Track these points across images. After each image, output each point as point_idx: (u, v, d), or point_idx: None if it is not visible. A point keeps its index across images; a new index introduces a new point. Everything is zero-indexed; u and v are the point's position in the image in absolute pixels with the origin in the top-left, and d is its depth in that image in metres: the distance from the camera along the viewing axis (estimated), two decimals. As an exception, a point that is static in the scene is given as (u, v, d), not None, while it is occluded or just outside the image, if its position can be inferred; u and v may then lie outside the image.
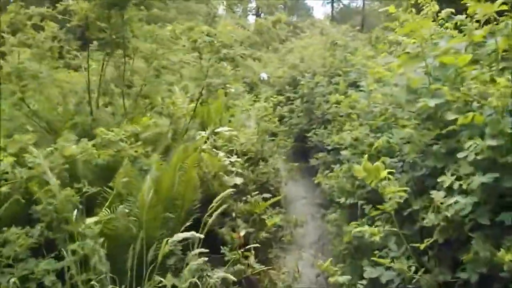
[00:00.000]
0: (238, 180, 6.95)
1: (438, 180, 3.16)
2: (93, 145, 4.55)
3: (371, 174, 2.81)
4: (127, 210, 4.62)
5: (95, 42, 6.55)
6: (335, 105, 8.25)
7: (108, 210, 4.55)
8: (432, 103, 3.26)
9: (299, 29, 21.16)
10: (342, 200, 5.43)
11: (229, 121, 10.44)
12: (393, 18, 5.54)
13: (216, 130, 7.45)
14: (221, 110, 10.23)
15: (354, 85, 9.61)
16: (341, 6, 54.09)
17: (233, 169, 7.04)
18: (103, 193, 4.73)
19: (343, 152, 6.10)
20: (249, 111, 9.25)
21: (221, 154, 7.08)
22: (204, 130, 8.69)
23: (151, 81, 7.22)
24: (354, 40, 10.96)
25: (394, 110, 4.66)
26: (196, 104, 6.76)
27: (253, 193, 7.48)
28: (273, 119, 9.06)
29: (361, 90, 8.65)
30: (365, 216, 5.09)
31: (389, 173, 3.04)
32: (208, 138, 7.79)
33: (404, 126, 4.78)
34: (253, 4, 46.23)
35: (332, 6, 52.79)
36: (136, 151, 4.82)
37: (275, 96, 10.00)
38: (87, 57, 6.50)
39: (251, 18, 45.52)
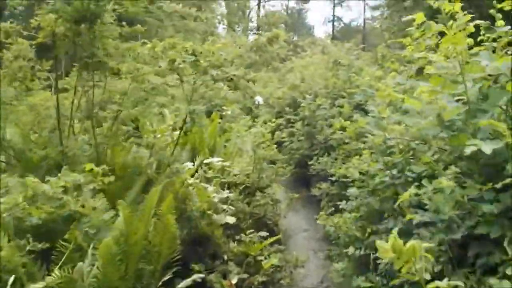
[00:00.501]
0: (230, 219, 6.00)
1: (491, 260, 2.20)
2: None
3: (402, 255, 1.86)
4: (88, 268, 3.68)
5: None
6: (340, 131, 7.34)
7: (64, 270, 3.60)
8: (487, 148, 2.30)
9: (300, 48, 20.34)
10: (351, 250, 4.47)
11: (224, 146, 9.52)
12: (404, 34, 4.72)
13: (206, 161, 6.51)
14: (215, 134, 9.32)
15: (359, 107, 8.72)
16: (342, 25, 53.52)
17: (224, 206, 6.10)
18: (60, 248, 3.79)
19: (351, 190, 5.17)
20: (244, 137, 8.32)
21: (211, 188, 6.14)
22: (194, 158, 7.78)
23: (138, 103, 6.40)
24: (358, 59, 10.06)
25: (416, 145, 3.73)
26: (180, 133, 5.82)
27: (248, 231, 6.55)
28: (271, 146, 8.12)
29: (368, 115, 7.79)
30: (378, 269, 4.16)
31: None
32: (197, 170, 6.87)
33: (428, 164, 3.86)
34: (254, 23, 45.62)
35: (333, 25, 52.24)
36: (82, 206, 3.79)
37: (273, 120, 9.07)
38: (56, 77, 5.58)
39: (252, 37, 44.90)
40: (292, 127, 12.15)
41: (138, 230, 4.09)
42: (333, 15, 52.82)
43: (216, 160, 6.51)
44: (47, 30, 5.18)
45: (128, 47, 5.75)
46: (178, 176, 5.98)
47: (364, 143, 6.86)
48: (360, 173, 5.32)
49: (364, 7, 51.34)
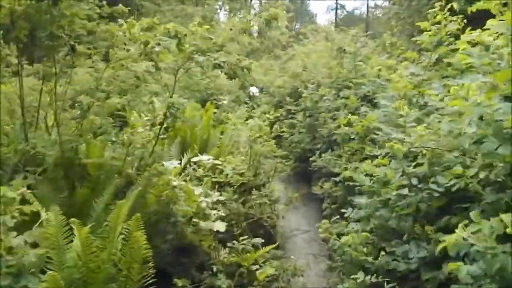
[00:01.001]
0: (220, 226, 5.20)
1: None
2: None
3: None
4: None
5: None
6: (346, 126, 6.52)
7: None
8: None
9: (302, 35, 19.41)
10: (360, 276, 3.66)
11: (219, 139, 8.69)
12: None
13: (194, 159, 5.69)
14: (209, 126, 8.48)
15: (366, 99, 7.88)
16: (345, 13, 52.41)
17: (214, 211, 5.30)
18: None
19: (360, 200, 4.36)
20: (240, 131, 7.49)
21: (198, 190, 5.33)
22: (185, 153, 6.96)
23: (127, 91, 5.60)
24: (364, 46, 9.18)
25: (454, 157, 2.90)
26: (160, 129, 4.98)
27: (242, 238, 5.77)
28: (269, 141, 7.30)
29: (379, 108, 6.95)
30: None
31: None
32: (185, 168, 6.07)
33: (461, 178, 3.04)
34: (256, 10, 44.49)
35: (336, 13, 51.17)
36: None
37: (271, 112, 8.22)
38: (18, 62, 4.75)
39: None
40: (292, 118, 11.33)
41: (101, 252, 3.29)
42: (336, 3, 51.81)
43: (205, 158, 5.69)
44: (6, 8, 4.33)
45: (105, 29, 4.89)
46: (161, 177, 5.17)
47: (372, 141, 6.03)
48: (371, 178, 4.50)
49: (368, -5, 50.43)
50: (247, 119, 8.42)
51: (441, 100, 4.01)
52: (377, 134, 5.73)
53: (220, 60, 4.77)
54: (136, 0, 17.73)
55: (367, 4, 50.69)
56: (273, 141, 7.55)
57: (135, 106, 6.60)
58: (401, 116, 4.06)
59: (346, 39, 12.28)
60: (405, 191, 3.56)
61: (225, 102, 10.88)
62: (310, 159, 8.41)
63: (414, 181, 3.48)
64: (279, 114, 11.16)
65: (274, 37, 23.13)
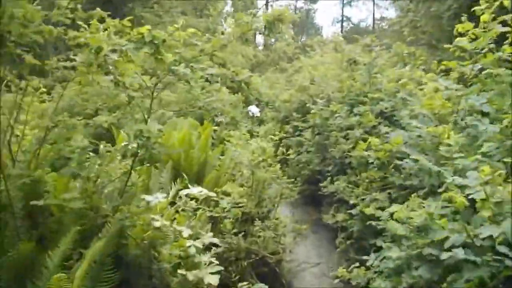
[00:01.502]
0: (213, 279, 4.16)
1: None
2: None
3: None
4: None
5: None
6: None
7: None
8: None
9: (309, 47, 18.47)
10: None
11: (218, 162, 7.66)
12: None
13: (184, 192, 4.66)
14: (207, 147, 7.46)
15: (383, 115, 6.87)
16: (351, 25, 51.52)
17: (206, 257, 4.27)
18: None
19: (392, 255, 3.32)
20: (241, 155, 6.45)
21: (187, 232, 4.30)
22: (178, 180, 5.94)
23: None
24: (378, 57, 8.15)
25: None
26: (133, 163, 3.95)
27: (241, 285, 4.76)
28: (274, 166, 6.28)
29: (399, 127, 5.94)
30: None
31: None
32: (173, 202, 5.05)
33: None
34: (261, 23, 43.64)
35: (342, 25, 50.32)
36: None
37: (276, 131, 7.19)
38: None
39: (260, 37, 42.99)
40: (300, 135, 10.32)
41: None
42: (342, 15, 50.95)
43: (197, 191, 4.67)
44: None
45: (73, 36, 3.88)
46: (141, 216, 4.17)
47: (396, 168, 5.00)
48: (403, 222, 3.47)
49: (374, 7, 49.59)
50: (247, 141, 7.40)
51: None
52: (402, 160, 4.73)
53: (208, 72, 3.74)
54: (135, 11, 16.87)
55: (373, 16, 49.94)
56: (278, 165, 6.52)
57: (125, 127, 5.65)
58: (448, 145, 3.02)
59: (356, 50, 11.33)
60: (460, 252, 2.52)
61: (226, 119, 9.88)
62: (321, 184, 7.38)
63: (478, 241, 2.46)
64: (284, 134, 10.18)
65: (279, 49, 22.15)
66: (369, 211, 4.40)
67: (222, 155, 7.92)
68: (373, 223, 4.37)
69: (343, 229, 6.27)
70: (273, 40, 38.51)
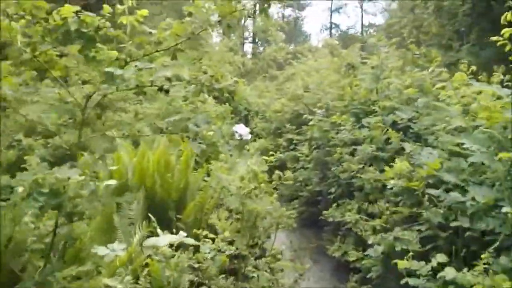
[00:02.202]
0: None
1: None
2: None
3: None
4: None
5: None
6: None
7: None
8: None
9: (300, 54, 17.29)
10: None
11: (203, 185, 6.37)
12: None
13: (147, 243, 3.38)
14: (187, 170, 6.18)
15: (396, 127, 5.65)
16: (340, 32, 50.54)
17: None
18: None
19: None
20: (227, 182, 5.16)
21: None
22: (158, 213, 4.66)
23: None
24: (388, 58, 6.88)
25: None
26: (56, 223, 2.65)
27: None
28: (270, 194, 5.02)
29: (424, 142, 4.72)
30: None
31: None
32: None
33: None
34: (250, 32, 42.49)
35: (331, 32, 49.35)
36: None
37: (271, 153, 5.91)
38: None
39: (248, 46, 41.81)
40: (295, 149, 9.07)
41: None
42: (331, 22, 49.93)
43: (167, 240, 3.39)
44: None
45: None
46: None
47: (430, 199, 3.75)
48: None
49: (362, 13, 48.64)
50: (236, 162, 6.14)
51: None
52: (435, 187, 3.50)
53: (162, 73, 2.49)
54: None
55: (362, 23, 48.94)
56: (275, 194, 5.24)
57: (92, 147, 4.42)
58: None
59: (353, 52, 10.16)
60: None
61: (210, 133, 8.59)
62: (323, 210, 6.14)
63: None
64: (275, 157, 8.92)
65: (268, 55, 20.91)
66: (403, 264, 3.15)
67: (208, 175, 6.68)
68: (408, 280, 3.12)
69: (355, 270, 5.01)
70: (261, 48, 37.39)
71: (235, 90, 3.31)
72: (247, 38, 41.43)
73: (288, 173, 5.18)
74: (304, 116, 8.61)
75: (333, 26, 49.91)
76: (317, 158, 7.62)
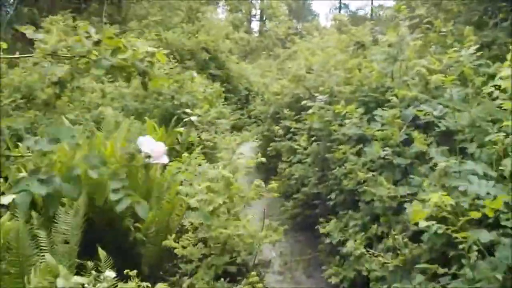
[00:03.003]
0: None
1: None
2: None
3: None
4: None
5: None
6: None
7: None
8: None
9: (306, 31, 15.79)
10: None
11: (176, 186, 5.03)
12: None
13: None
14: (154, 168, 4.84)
15: (415, 122, 4.29)
16: (349, 12, 48.56)
17: None
18: None
19: None
20: (192, 194, 3.82)
21: None
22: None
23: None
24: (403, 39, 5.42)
25: None
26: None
27: None
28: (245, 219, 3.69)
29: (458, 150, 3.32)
30: None
31: None
32: None
33: None
34: (257, 10, 40.71)
35: (340, 13, 47.42)
36: None
37: (256, 155, 4.54)
38: None
39: (255, 24, 40.06)
40: (292, 139, 7.72)
41: None
42: (340, 2, 47.96)
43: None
44: None
45: None
46: None
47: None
48: None
49: (372, -6, 46.57)
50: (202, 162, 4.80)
51: None
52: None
53: None
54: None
55: (372, 3, 46.85)
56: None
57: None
58: None
59: (365, 30, 8.76)
60: None
61: (194, 118, 7.23)
62: (321, 226, 4.81)
63: None
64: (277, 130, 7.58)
65: (272, 31, 19.34)
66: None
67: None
68: None
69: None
70: (267, 26, 35.67)
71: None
72: (254, 16, 39.69)
73: (274, 185, 3.85)
74: (304, 101, 7.24)
75: (342, 6, 47.93)
76: (316, 153, 6.27)
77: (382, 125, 4.37)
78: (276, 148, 8.20)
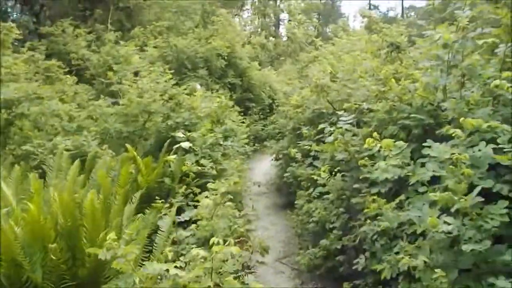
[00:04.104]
0: None
1: None
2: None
3: None
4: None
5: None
6: None
7: None
8: None
9: (333, 33, 14.13)
10: None
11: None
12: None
13: None
14: (117, 216, 3.36)
15: (495, 169, 2.65)
16: (379, 13, 46.35)
17: None
18: None
19: None
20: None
21: None
22: None
23: None
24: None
25: None
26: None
27: None
28: None
29: None
30: None
31: None
32: None
33: None
34: (284, 13, 38.95)
35: (370, 14, 45.29)
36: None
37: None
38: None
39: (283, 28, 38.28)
40: (312, 165, 6.13)
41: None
42: (369, 3, 45.72)
43: None
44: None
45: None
46: None
47: None
48: None
49: (403, -5, 44.26)
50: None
51: None
52: None
53: None
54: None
55: (402, 4, 44.53)
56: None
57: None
58: None
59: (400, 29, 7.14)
60: None
61: (186, 145, 5.69)
62: None
63: None
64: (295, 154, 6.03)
65: (298, 36, 17.49)
66: None
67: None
68: None
69: None
70: (286, 28, 33.66)
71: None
72: (282, 20, 37.99)
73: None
74: (328, 116, 5.66)
75: (372, 7, 45.72)
76: (340, 190, 4.67)
77: (439, 174, 2.75)
78: (294, 175, 6.64)
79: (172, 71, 10.87)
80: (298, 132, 7.87)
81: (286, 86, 12.49)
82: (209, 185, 4.50)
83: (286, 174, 6.92)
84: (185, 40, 11.54)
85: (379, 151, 3.13)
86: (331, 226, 4.71)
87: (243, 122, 11.47)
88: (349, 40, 8.47)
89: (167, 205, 4.90)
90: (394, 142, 3.05)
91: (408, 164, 3.08)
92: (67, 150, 5.06)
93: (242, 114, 12.56)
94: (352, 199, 4.07)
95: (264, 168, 10.17)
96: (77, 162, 4.32)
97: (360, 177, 3.78)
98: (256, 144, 12.12)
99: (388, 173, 3.06)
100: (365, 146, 3.24)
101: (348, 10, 75.56)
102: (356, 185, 3.89)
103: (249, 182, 8.42)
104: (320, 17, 39.36)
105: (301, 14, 17.66)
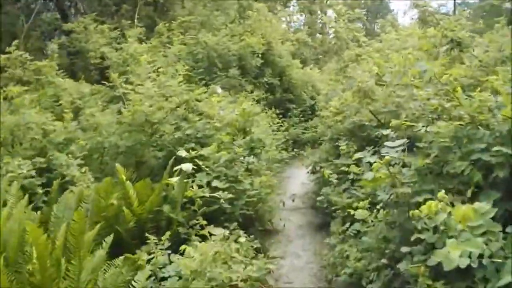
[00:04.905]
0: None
1: None
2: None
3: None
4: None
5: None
6: None
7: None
8: None
9: (381, 29, 12.62)
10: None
11: None
12: None
13: None
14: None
15: None
16: (430, 9, 43.68)
17: None
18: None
19: None
20: None
21: None
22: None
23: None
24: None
25: None
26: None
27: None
28: None
29: None
30: None
31: None
32: None
33: None
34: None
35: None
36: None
37: None
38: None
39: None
40: (349, 189, 4.84)
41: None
42: (421, -1, 43.20)
43: None
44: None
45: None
46: None
47: None
48: None
49: (455, -12, 41.39)
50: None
51: None
52: None
53: None
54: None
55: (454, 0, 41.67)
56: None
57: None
58: None
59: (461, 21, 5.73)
60: None
61: (188, 167, 4.50)
62: None
63: None
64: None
65: (344, 32, 15.90)
66: None
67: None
68: None
69: None
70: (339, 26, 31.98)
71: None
72: (330, 17, 36.28)
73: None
74: (373, 130, 4.36)
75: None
76: (381, 238, 3.38)
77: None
78: (328, 200, 5.35)
79: (201, 70, 9.81)
80: (336, 143, 6.59)
81: (327, 87, 11.08)
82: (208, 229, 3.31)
83: (319, 198, 5.65)
84: (216, 37, 10.34)
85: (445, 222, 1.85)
86: (369, 285, 3.42)
87: (281, 125, 10.28)
88: (399, 35, 7.02)
89: (162, 242, 3.81)
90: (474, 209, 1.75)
91: (497, 240, 1.79)
92: (40, 170, 4.02)
93: (281, 116, 11.34)
94: (398, 263, 2.76)
95: (302, 176, 8.90)
96: (26, 197, 3.26)
97: (412, 239, 2.48)
98: (295, 150, 10.83)
99: (462, 259, 1.77)
100: (424, 212, 1.97)
101: (398, 6, 72.52)
102: (405, 249, 2.59)
103: (283, 196, 7.23)
104: (369, 13, 37.37)
105: (348, 10, 16.00)
